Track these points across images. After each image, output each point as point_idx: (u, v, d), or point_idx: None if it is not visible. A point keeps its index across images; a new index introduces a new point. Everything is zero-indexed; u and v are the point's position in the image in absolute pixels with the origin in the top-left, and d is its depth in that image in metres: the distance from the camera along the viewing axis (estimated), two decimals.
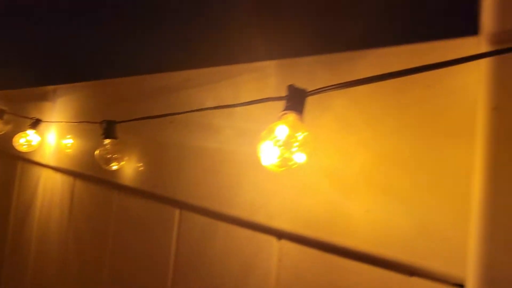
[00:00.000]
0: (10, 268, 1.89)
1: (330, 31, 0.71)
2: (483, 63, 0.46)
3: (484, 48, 0.46)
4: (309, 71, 0.77)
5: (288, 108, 0.59)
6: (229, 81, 0.91)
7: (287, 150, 0.55)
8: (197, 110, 0.88)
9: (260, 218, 0.80)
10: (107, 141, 1.12)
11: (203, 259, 0.94)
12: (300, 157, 0.55)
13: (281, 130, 0.55)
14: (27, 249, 1.74)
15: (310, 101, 0.64)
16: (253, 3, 0.84)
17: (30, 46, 2.04)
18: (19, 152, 1.64)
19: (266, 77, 0.84)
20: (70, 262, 1.46)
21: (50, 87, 1.74)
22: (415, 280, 0.58)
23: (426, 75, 0.53)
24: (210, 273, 0.92)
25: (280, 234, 0.78)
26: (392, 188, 0.62)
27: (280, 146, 0.55)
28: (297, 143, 0.57)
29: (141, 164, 1.15)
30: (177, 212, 1.03)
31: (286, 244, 0.77)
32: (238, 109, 0.79)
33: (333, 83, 0.61)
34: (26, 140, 1.58)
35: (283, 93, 0.63)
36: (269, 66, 0.84)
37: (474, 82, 0.50)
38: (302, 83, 0.77)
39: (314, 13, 0.75)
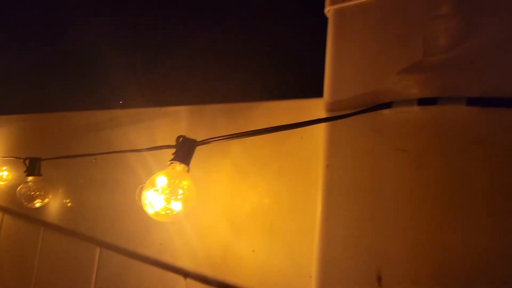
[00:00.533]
0: None
1: (228, 83, 0.78)
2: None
3: (324, 113, 0.53)
4: (212, 118, 0.83)
5: (175, 158, 0.64)
6: (146, 124, 0.95)
7: (166, 199, 0.60)
8: (114, 152, 0.92)
9: (168, 257, 0.83)
10: (30, 178, 1.12)
11: None
12: (177, 206, 0.60)
13: (161, 180, 0.60)
14: None
15: (211, 147, 0.70)
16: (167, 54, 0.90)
17: None
18: None
19: (179, 121, 0.90)
20: None
21: None
22: None
23: (299, 128, 0.60)
24: None
25: (185, 273, 0.81)
26: (273, 228, 0.67)
27: (160, 194, 0.60)
28: (181, 191, 0.62)
29: (66, 201, 1.14)
30: (97, 250, 1.03)
31: (192, 283, 0.80)
32: (152, 152, 0.84)
33: (230, 130, 0.67)
34: None
35: (194, 136, 0.69)
36: (181, 111, 0.90)
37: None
38: (208, 129, 0.83)
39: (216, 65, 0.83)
